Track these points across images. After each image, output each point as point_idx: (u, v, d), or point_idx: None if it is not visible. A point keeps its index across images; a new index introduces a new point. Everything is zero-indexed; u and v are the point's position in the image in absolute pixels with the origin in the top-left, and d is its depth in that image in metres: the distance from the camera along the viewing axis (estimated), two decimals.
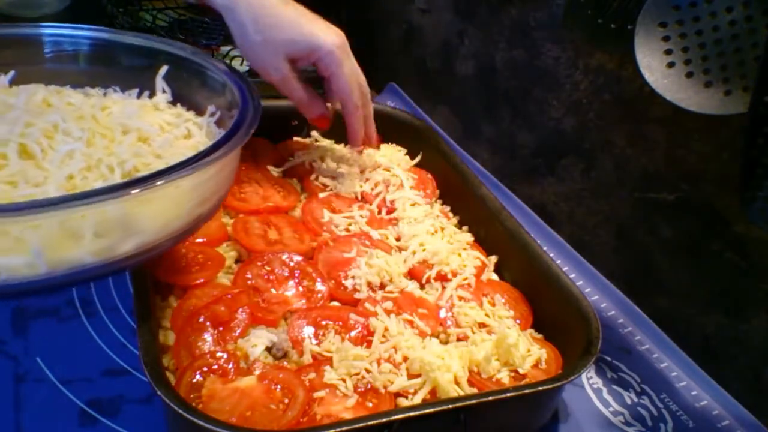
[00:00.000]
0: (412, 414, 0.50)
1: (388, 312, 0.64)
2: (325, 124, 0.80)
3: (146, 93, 0.69)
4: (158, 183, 0.47)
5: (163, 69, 0.68)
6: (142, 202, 0.48)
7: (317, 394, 0.55)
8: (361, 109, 0.78)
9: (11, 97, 0.60)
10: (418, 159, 0.91)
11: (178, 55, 0.69)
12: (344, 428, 0.48)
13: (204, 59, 0.68)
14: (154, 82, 0.68)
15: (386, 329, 0.62)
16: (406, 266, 0.72)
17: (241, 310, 0.61)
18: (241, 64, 1.06)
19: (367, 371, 0.57)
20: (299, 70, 0.74)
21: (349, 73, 0.74)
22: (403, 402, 0.57)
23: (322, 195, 0.81)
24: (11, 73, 0.65)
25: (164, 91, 0.68)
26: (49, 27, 0.69)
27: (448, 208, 0.85)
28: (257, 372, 0.56)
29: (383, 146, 0.92)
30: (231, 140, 0.54)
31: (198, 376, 0.55)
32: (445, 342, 0.64)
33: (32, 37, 0.69)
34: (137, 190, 0.46)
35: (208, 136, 0.65)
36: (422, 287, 0.71)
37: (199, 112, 0.68)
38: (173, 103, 0.69)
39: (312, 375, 0.57)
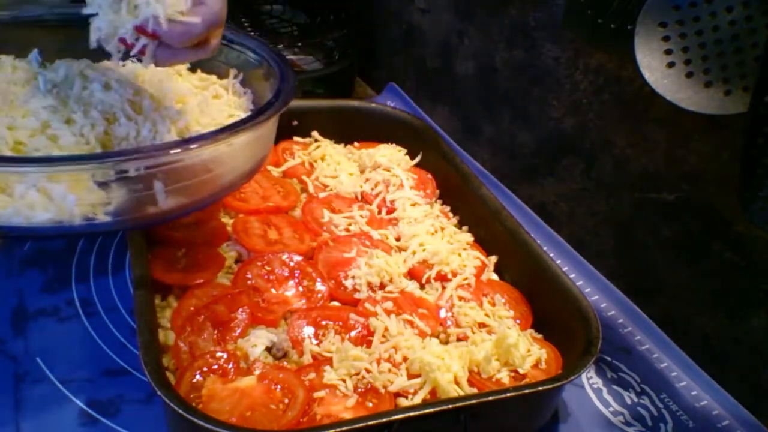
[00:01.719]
0: (412, 414, 0.50)
1: (388, 312, 0.64)
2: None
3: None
4: (241, 131, 0.55)
5: None
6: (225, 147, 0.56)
7: (317, 394, 0.55)
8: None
9: (50, 72, 0.63)
10: (418, 159, 0.91)
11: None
12: (344, 428, 0.48)
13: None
14: None
15: (386, 329, 0.62)
16: (406, 266, 0.72)
17: (241, 310, 0.61)
18: None
19: (367, 371, 0.57)
20: None
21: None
22: (403, 402, 0.57)
23: (322, 195, 0.81)
24: (34, 51, 0.67)
25: None
26: (59, 7, 0.71)
27: (448, 208, 0.85)
28: (257, 372, 0.56)
29: (383, 146, 0.92)
30: (283, 93, 0.61)
31: (198, 376, 0.55)
32: (445, 342, 0.64)
33: (44, 17, 0.71)
34: (226, 136, 0.54)
35: (235, 95, 0.70)
36: (422, 287, 0.71)
37: (220, 76, 0.72)
38: (192, 70, 0.72)
39: (312, 375, 0.57)
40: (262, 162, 0.65)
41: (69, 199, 0.51)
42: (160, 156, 0.53)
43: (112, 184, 0.52)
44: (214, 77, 0.72)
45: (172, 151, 0.53)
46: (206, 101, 0.66)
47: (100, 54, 0.58)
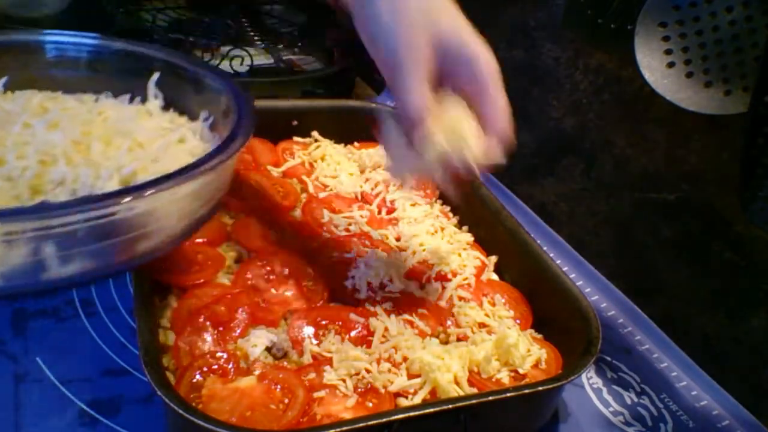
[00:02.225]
0: (412, 414, 0.50)
1: (387, 312, 0.64)
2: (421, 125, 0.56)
3: (138, 99, 0.68)
4: (163, 188, 0.48)
5: (155, 75, 0.67)
6: (148, 204, 0.49)
7: (317, 394, 0.55)
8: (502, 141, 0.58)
9: (7, 102, 0.60)
10: None
11: (169, 61, 0.68)
12: (344, 428, 0.48)
13: (196, 65, 0.67)
14: (146, 88, 0.67)
15: (386, 329, 0.62)
16: (406, 266, 0.72)
17: (241, 310, 0.61)
18: (241, 64, 1.06)
19: (367, 371, 0.57)
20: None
21: (506, 102, 0.57)
22: (403, 402, 0.57)
23: (322, 195, 0.81)
24: (4, 78, 0.65)
25: (156, 97, 0.67)
26: (40, 33, 0.68)
27: (448, 208, 0.85)
28: (257, 372, 0.56)
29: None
30: (231, 144, 0.54)
31: (198, 376, 0.55)
32: (445, 342, 0.64)
33: (24, 43, 0.68)
34: (151, 191, 0.48)
35: (202, 140, 0.64)
36: (422, 287, 0.71)
37: (192, 117, 0.66)
38: (165, 108, 0.67)
39: (312, 375, 0.57)
40: (206, 217, 0.57)
41: None
42: (44, 218, 0.45)
43: None
44: (184, 119, 0.66)
45: (56, 213, 0.45)
46: (167, 146, 0.60)
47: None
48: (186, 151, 0.61)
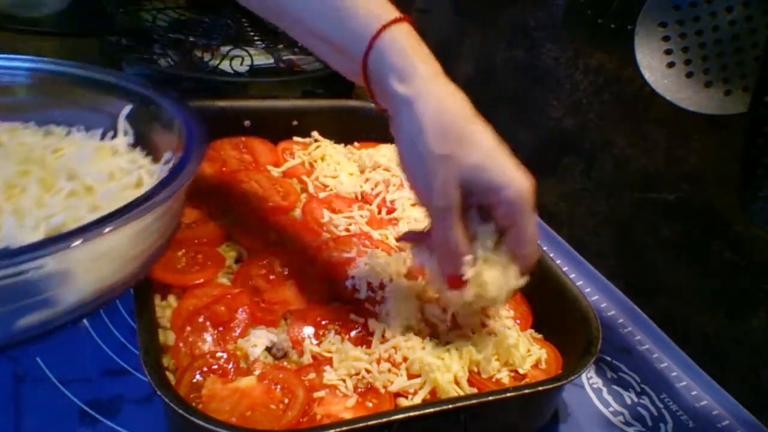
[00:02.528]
0: (412, 414, 0.50)
1: (388, 312, 0.64)
2: (460, 286, 0.57)
3: (111, 133, 0.64)
4: (54, 250, 0.42)
5: (126, 108, 0.63)
6: (59, 262, 0.44)
7: (317, 394, 0.55)
8: (526, 269, 0.58)
9: None
10: None
11: (141, 94, 0.63)
12: (344, 428, 0.48)
13: (162, 98, 0.62)
14: (117, 122, 0.64)
15: (386, 329, 0.62)
16: (406, 266, 0.72)
17: (241, 310, 0.61)
18: (241, 64, 1.06)
19: (367, 371, 0.57)
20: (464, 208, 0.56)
21: (532, 228, 0.56)
22: (403, 402, 0.57)
23: (322, 195, 0.81)
24: None
25: (126, 134, 0.64)
26: (15, 59, 0.65)
27: None
28: (257, 372, 0.56)
29: (383, 146, 0.92)
30: (141, 205, 0.47)
31: (198, 376, 0.55)
32: (445, 342, 0.64)
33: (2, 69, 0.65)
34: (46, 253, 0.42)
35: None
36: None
37: (157, 157, 0.62)
38: (135, 145, 0.63)
39: (312, 375, 0.57)
40: (131, 277, 0.51)
41: None
42: None
43: None
44: (147, 160, 0.62)
45: None
46: (116, 191, 0.55)
47: None
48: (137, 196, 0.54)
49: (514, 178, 0.54)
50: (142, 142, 0.63)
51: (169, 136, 0.60)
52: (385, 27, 0.54)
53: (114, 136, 0.64)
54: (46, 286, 0.44)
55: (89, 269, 0.46)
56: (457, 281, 0.57)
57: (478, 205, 0.56)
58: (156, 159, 0.61)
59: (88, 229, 0.43)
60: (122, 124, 0.63)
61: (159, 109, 0.62)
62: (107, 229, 0.44)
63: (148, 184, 0.58)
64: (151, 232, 0.51)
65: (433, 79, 0.54)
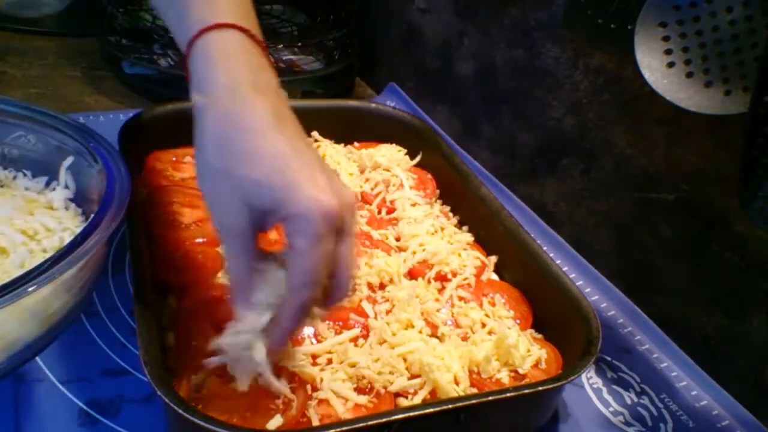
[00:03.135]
0: (412, 414, 0.50)
1: (387, 312, 0.64)
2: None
3: (54, 183, 0.63)
4: None
5: (69, 159, 0.61)
6: None
7: (317, 395, 0.55)
8: (300, 314, 0.49)
9: None
10: (418, 159, 0.91)
11: (84, 145, 0.60)
12: (344, 428, 0.48)
13: (100, 152, 0.58)
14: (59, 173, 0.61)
15: (385, 330, 0.62)
16: (406, 266, 0.72)
17: None
18: None
19: (367, 371, 0.57)
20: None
21: (314, 260, 0.46)
22: (403, 402, 0.57)
23: None
24: None
25: (67, 186, 0.62)
26: None
27: (448, 208, 0.85)
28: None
29: (383, 146, 0.92)
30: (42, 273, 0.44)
31: (198, 376, 0.55)
32: (445, 342, 0.64)
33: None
34: None
35: None
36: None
37: (88, 215, 0.59)
38: (73, 199, 0.61)
39: (312, 375, 0.57)
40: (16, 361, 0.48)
41: None
42: None
43: None
44: (77, 220, 0.59)
45: None
46: (26, 258, 0.52)
47: None
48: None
49: (301, 196, 0.46)
50: (81, 197, 0.60)
51: (100, 195, 0.56)
52: (203, 32, 0.51)
53: (56, 187, 0.62)
54: None
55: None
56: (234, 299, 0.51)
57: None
58: (86, 219, 0.58)
59: None
60: (63, 175, 0.61)
61: (96, 163, 0.58)
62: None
63: None
64: (31, 315, 0.47)
65: (231, 91, 0.49)
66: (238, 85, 0.50)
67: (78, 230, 0.56)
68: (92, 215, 0.52)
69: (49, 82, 1.09)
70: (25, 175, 0.62)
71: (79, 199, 0.61)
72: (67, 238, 0.55)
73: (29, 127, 0.62)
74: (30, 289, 0.43)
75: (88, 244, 0.47)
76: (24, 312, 0.45)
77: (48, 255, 0.52)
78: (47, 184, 0.63)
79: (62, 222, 0.58)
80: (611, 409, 0.66)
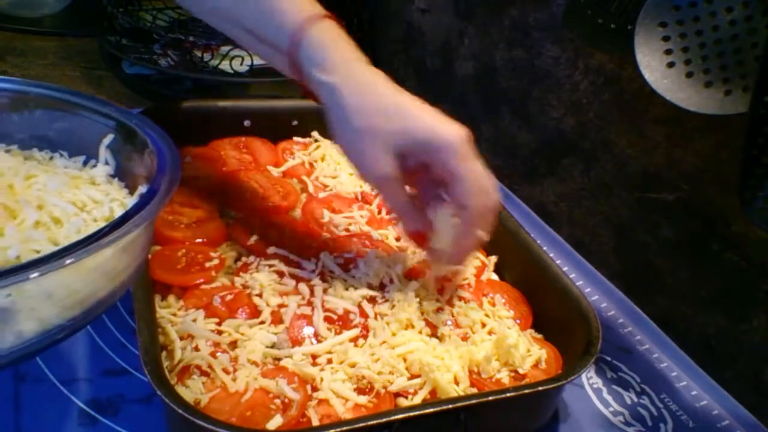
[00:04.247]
0: (412, 414, 0.50)
1: (387, 312, 0.64)
2: (422, 243, 0.64)
3: (93, 161, 0.63)
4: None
5: (108, 137, 0.62)
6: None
7: (317, 395, 0.55)
8: (480, 224, 0.60)
9: None
10: None
11: (122, 123, 0.62)
12: (344, 428, 0.48)
13: (143, 128, 0.60)
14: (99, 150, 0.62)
15: (385, 330, 0.62)
16: (406, 266, 0.72)
17: (240, 310, 0.61)
18: (241, 64, 1.06)
19: (367, 371, 0.57)
20: (407, 174, 0.60)
21: (474, 175, 0.58)
22: (403, 402, 0.57)
23: (322, 195, 0.81)
24: None
25: (107, 163, 0.63)
26: (5, 81, 0.63)
27: None
28: (257, 372, 0.56)
29: None
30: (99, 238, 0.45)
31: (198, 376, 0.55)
32: (445, 342, 0.64)
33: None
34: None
35: None
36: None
37: (133, 189, 0.60)
38: (115, 175, 0.62)
39: (312, 375, 0.57)
40: (77, 320, 0.48)
41: None
42: None
43: None
44: (123, 193, 0.60)
45: None
46: (82, 225, 0.53)
47: None
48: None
49: (442, 129, 0.57)
50: (123, 172, 0.62)
51: (146, 170, 0.59)
52: (306, 23, 0.60)
53: (96, 165, 0.63)
54: None
55: (26, 309, 0.44)
56: (418, 236, 0.63)
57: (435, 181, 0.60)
58: (133, 191, 0.60)
59: (12, 273, 0.41)
60: (103, 153, 0.62)
61: (138, 138, 0.60)
62: (33, 275, 0.41)
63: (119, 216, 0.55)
64: (100, 274, 0.48)
65: (352, 65, 0.60)
66: (356, 61, 0.60)
67: (127, 201, 0.59)
68: (140, 188, 0.58)
69: (49, 81, 1.08)
70: (61, 155, 0.64)
71: (120, 175, 0.63)
72: (117, 209, 0.58)
73: (65, 109, 0.64)
74: (111, 238, 0.45)
75: (154, 205, 0.51)
76: (95, 269, 0.48)
77: (100, 224, 0.55)
78: (84, 164, 0.64)
79: (108, 194, 0.60)
80: (611, 409, 0.66)
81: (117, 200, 0.59)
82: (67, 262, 0.43)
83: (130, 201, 0.59)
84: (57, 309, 0.46)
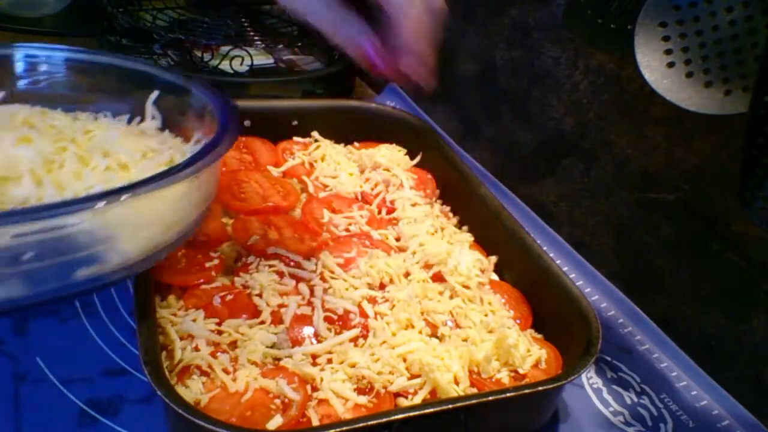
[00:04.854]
0: (412, 414, 0.50)
1: (387, 312, 0.64)
2: (388, 70, 0.62)
3: (137, 119, 0.67)
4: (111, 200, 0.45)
5: (154, 94, 0.66)
6: (93, 219, 0.46)
7: (317, 395, 0.55)
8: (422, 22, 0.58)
9: None
10: (418, 159, 0.91)
11: (168, 81, 0.66)
12: (344, 428, 0.48)
13: (191, 83, 0.65)
14: (145, 107, 0.66)
15: (385, 330, 0.62)
16: (406, 266, 0.72)
17: (240, 310, 0.61)
18: (241, 64, 1.06)
19: (367, 371, 0.57)
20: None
21: (415, 20, 0.57)
22: (403, 402, 0.57)
23: (322, 195, 0.81)
24: (2, 93, 0.63)
25: (153, 118, 0.66)
26: (40, 48, 0.67)
27: (448, 208, 0.85)
28: (257, 372, 0.56)
29: (383, 146, 0.92)
30: (201, 158, 0.51)
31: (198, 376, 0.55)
32: (445, 342, 0.64)
33: (23, 57, 0.66)
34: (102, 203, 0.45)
35: None
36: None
37: (186, 138, 0.64)
38: (162, 129, 0.66)
39: (312, 375, 0.57)
40: (171, 244, 0.54)
41: None
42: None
43: None
44: (177, 141, 0.64)
45: None
46: (150, 168, 0.57)
47: None
48: None
49: None
50: (170, 126, 0.65)
51: (198, 120, 0.63)
52: None
53: (141, 122, 0.66)
54: (89, 243, 0.47)
55: (128, 230, 0.49)
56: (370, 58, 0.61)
57: None
58: (186, 141, 0.64)
59: (116, 192, 0.46)
60: (150, 109, 0.65)
61: (186, 93, 0.64)
62: (124, 196, 0.46)
63: (179, 161, 0.58)
64: (189, 201, 0.54)
65: None
66: None
67: (185, 147, 0.62)
68: (195, 136, 0.62)
69: None
70: (105, 116, 0.66)
71: (166, 129, 0.66)
72: (176, 155, 0.60)
73: (106, 71, 0.68)
74: (186, 171, 0.49)
75: (225, 143, 0.54)
76: (181, 198, 0.53)
77: (163, 168, 0.56)
78: (129, 121, 0.66)
79: (165, 143, 0.63)
80: (611, 409, 0.66)
81: (174, 147, 0.62)
82: (162, 183, 0.48)
83: (187, 148, 0.62)
84: (153, 231, 0.51)
